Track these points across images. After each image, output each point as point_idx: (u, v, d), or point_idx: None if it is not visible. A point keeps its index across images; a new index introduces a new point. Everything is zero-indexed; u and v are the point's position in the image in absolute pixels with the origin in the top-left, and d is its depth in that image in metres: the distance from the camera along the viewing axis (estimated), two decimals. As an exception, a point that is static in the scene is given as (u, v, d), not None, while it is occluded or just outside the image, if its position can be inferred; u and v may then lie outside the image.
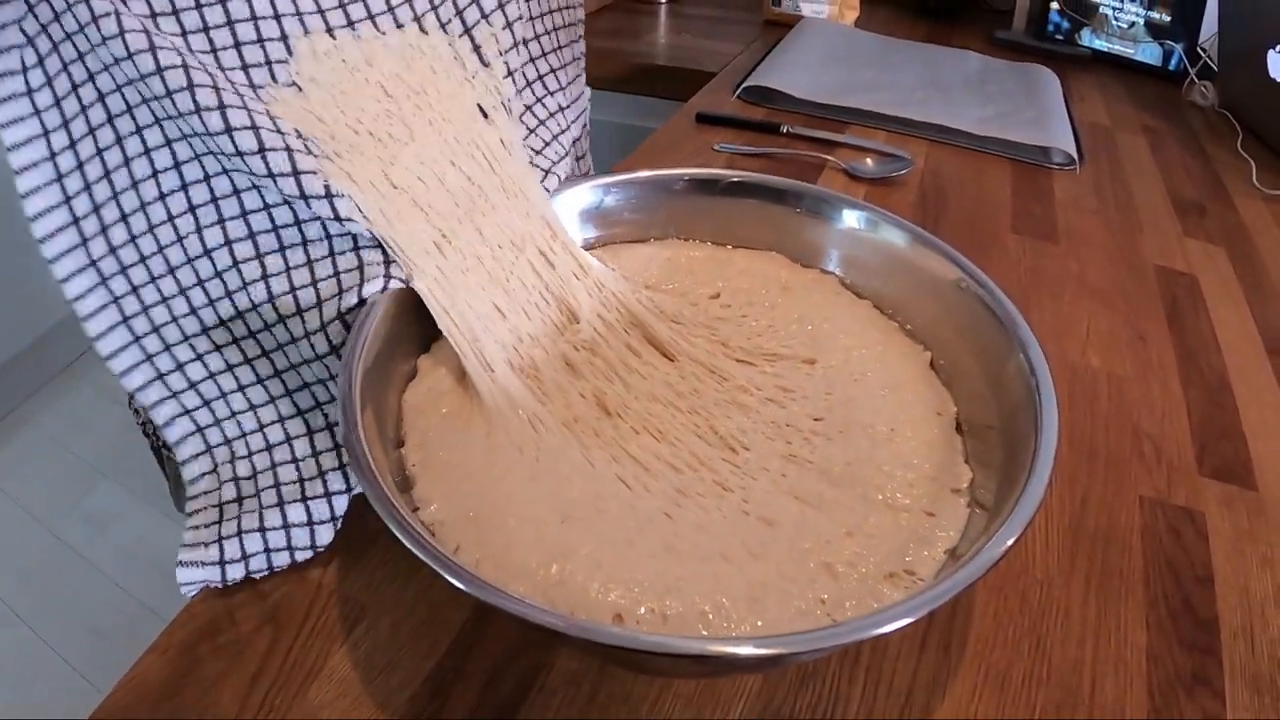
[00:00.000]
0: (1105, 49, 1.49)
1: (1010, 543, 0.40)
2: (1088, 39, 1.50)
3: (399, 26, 0.60)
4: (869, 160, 1.05)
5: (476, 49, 0.63)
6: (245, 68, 0.54)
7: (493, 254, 0.57)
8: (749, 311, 0.62)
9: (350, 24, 0.59)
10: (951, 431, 0.54)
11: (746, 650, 0.37)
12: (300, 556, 0.54)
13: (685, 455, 0.51)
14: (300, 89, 0.55)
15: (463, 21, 0.63)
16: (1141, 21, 1.45)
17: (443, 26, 0.62)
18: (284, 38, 0.56)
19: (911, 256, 0.60)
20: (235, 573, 0.53)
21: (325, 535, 0.54)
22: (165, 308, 0.55)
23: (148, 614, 1.88)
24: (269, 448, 0.58)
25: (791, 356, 0.58)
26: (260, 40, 0.55)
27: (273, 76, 0.55)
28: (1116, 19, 1.47)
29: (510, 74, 0.64)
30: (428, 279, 0.54)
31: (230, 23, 0.54)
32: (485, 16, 0.63)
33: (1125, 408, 0.72)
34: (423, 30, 0.61)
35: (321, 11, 0.57)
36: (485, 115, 0.61)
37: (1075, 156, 1.12)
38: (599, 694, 0.49)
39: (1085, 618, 0.55)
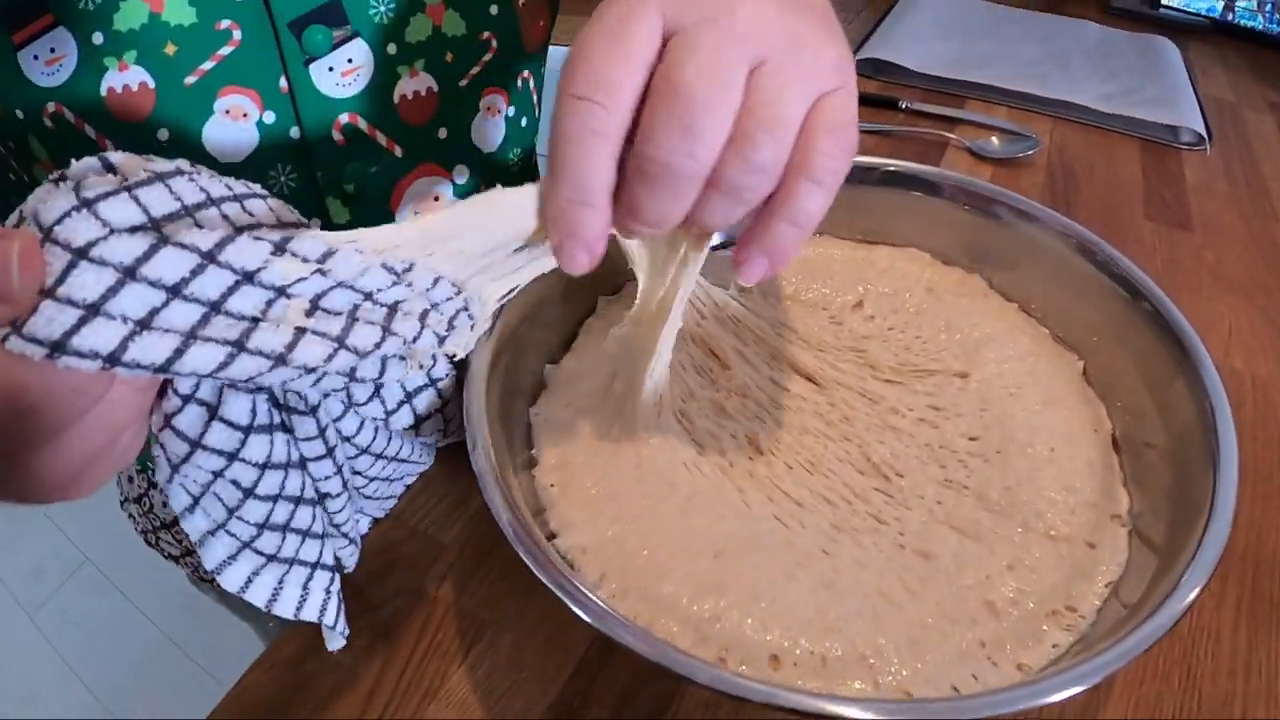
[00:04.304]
0: (1225, 17, 1.42)
1: (1194, 595, 0.37)
2: (1207, 7, 1.43)
3: None
4: (994, 139, 1.00)
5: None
6: None
7: None
8: (894, 322, 0.59)
9: None
10: (1109, 450, 0.51)
11: (857, 713, 0.34)
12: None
13: (839, 487, 0.49)
14: None
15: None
16: (1266, -13, 1.37)
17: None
18: None
19: (1069, 257, 0.56)
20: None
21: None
22: None
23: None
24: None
25: (942, 371, 0.55)
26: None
27: None
28: (1238, -15, 1.39)
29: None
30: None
31: None
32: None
33: (1272, 415, 0.68)
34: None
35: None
36: None
37: (1205, 136, 1.05)
38: (734, 723, 0.47)
39: (1235, 647, 0.52)
